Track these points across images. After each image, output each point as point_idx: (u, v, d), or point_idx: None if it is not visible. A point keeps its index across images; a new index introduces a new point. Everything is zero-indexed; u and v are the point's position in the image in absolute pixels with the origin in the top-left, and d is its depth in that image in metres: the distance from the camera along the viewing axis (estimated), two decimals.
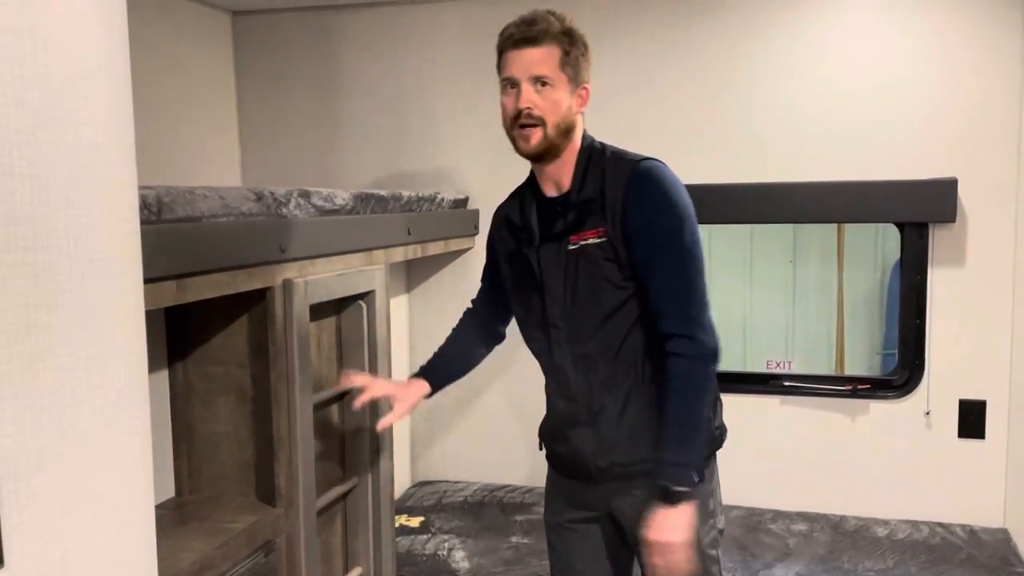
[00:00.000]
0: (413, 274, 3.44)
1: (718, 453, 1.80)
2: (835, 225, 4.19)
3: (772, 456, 3.14)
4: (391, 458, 2.52)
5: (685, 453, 1.65)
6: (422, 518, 3.08)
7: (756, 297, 4.41)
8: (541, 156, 1.70)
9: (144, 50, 2.98)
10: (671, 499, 1.62)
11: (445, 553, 2.82)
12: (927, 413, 3.02)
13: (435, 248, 2.98)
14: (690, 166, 3.16)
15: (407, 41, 3.37)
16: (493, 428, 3.41)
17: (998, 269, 2.92)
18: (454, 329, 2.06)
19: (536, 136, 1.67)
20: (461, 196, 3.18)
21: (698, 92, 3.11)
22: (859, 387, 3.11)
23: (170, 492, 2.13)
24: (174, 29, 3.19)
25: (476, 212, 3.23)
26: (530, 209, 1.79)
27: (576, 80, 1.69)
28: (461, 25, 3.30)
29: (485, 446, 3.43)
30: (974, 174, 2.90)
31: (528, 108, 1.66)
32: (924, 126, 2.94)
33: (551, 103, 1.66)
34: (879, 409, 3.07)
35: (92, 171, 0.83)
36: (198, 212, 1.70)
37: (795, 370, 3.75)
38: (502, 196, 1.85)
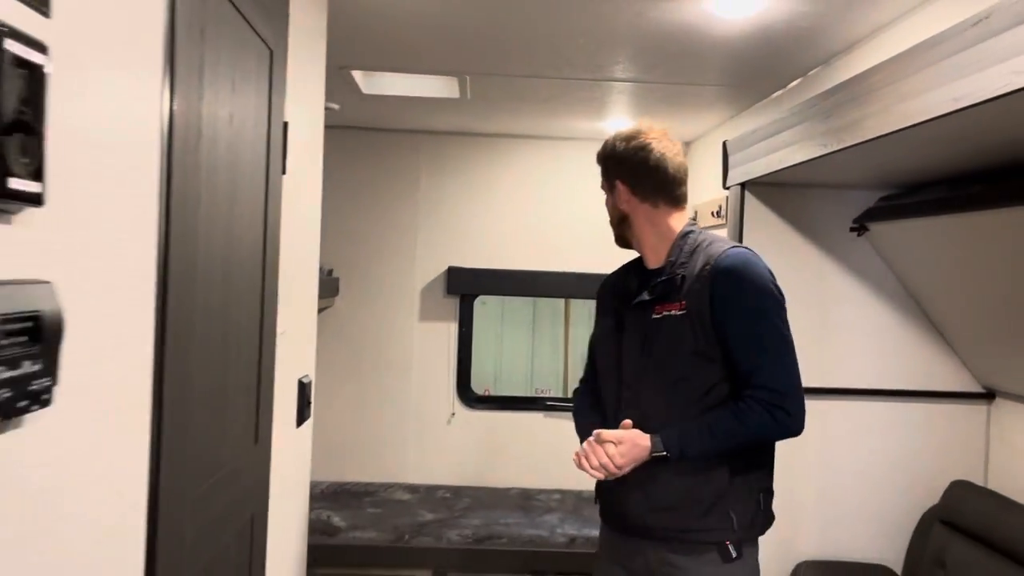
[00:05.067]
0: None
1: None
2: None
3: (541, 448, 4.44)
4: None
5: (690, 437, 1.74)
6: None
7: (537, 347, 5.95)
8: (619, 243, 2.06)
9: None
10: (653, 448, 1.75)
11: None
12: None
13: None
14: (498, 256, 4.65)
15: None
16: None
17: None
18: (580, 409, 2.09)
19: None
20: None
21: (501, 211, 4.55)
22: None
23: None
24: None
25: None
26: (632, 276, 2.01)
27: (610, 184, 1.97)
28: None
29: None
30: None
31: None
32: None
33: (608, 207, 2.03)
34: None
35: None
36: None
37: (552, 395, 5.09)
38: None
